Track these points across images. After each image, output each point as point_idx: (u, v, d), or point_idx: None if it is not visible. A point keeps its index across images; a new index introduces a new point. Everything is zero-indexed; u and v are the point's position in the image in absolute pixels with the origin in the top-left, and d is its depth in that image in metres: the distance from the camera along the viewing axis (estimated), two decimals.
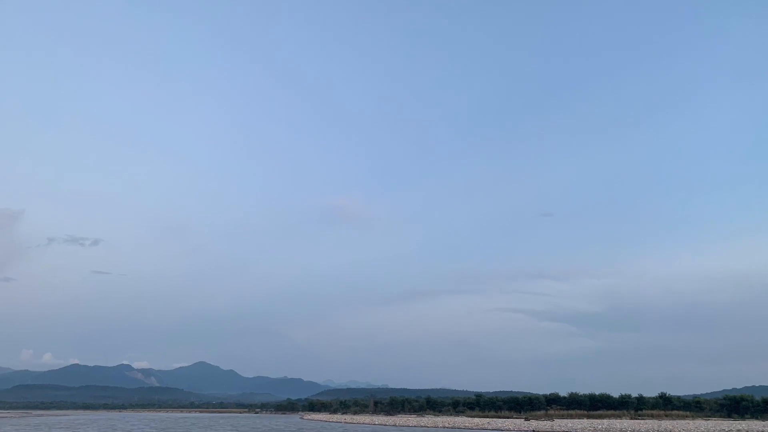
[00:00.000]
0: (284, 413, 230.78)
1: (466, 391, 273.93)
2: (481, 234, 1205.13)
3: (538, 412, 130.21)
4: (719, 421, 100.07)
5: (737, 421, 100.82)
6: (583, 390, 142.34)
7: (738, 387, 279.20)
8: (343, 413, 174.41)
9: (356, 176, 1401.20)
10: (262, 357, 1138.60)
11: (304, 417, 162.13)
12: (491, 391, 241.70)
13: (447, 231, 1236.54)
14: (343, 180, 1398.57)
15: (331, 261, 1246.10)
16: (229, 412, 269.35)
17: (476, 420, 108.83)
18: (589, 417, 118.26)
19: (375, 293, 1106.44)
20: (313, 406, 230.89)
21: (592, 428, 77.04)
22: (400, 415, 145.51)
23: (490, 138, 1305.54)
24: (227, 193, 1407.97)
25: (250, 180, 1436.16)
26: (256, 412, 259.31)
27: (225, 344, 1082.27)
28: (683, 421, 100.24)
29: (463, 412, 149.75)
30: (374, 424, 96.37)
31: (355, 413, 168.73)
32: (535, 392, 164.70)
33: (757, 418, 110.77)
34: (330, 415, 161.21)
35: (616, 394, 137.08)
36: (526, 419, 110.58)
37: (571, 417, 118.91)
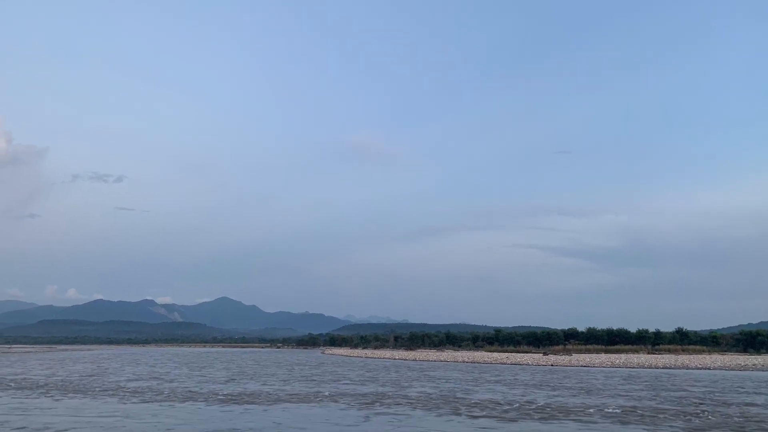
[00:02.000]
0: (305, 348, 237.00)
1: (485, 326, 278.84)
2: (499, 170, 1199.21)
3: (557, 347, 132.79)
4: (735, 356, 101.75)
5: (753, 356, 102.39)
6: (601, 325, 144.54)
7: (754, 322, 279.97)
8: (363, 348, 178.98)
9: (376, 114, 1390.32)
10: (284, 292, 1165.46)
11: (325, 352, 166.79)
12: (510, 326, 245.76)
13: (466, 168, 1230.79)
14: (363, 117, 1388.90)
15: (351, 197, 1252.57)
16: (252, 347, 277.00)
17: (495, 354, 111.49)
18: (606, 352, 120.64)
19: (395, 229, 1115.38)
20: (334, 341, 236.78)
21: (609, 362, 78.85)
22: (420, 350, 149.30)
23: (509, 75, 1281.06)
24: (249, 131, 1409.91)
25: (272, 118, 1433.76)
26: (278, 347, 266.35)
27: (247, 280, 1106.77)
28: (699, 356, 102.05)
29: (482, 346, 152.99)
30: (394, 359, 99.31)
31: (375, 348, 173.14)
32: (553, 327, 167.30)
33: None
34: (351, 350, 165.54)
35: (633, 329, 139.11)
36: (545, 354, 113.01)
37: (588, 352, 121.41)
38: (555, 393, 33.74)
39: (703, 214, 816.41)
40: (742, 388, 38.23)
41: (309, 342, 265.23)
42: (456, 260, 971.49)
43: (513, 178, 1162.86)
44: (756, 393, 34.14)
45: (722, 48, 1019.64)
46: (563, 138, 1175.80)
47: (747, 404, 27.82)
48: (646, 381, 44.68)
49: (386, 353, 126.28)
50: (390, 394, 32.89)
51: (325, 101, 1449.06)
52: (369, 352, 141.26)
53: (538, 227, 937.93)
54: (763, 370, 62.15)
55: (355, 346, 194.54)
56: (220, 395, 31.91)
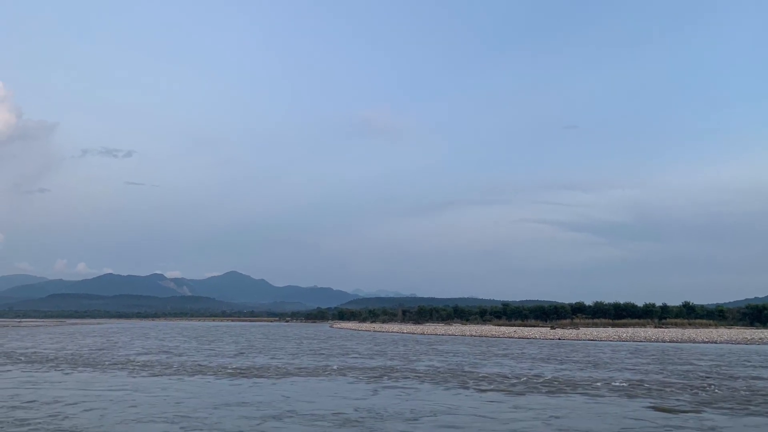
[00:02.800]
0: (314, 322, 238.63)
1: (493, 300, 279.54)
2: (506, 145, 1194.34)
3: (564, 321, 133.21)
4: (742, 330, 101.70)
5: (759, 330, 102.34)
6: (608, 299, 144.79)
7: (760, 296, 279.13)
8: (371, 322, 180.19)
9: (384, 89, 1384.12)
10: (292, 267, 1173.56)
11: (334, 325, 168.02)
12: (518, 300, 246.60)
13: (473, 142, 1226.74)
14: (371, 92, 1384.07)
15: (359, 173, 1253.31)
16: (260, 321, 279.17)
17: (503, 328, 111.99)
18: (614, 326, 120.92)
19: (403, 204, 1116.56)
20: (342, 315, 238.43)
21: (616, 336, 79.00)
22: (428, 324, 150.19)
23: (516, 50, 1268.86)
24: (258, 106, 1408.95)
25: (281, 93, 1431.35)
26: (287, 321, 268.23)
27: (256, 254, 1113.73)
28: (706, 330, 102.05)
29: (490, 320, 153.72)
30: (402, 333, 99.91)
31: (383, 322, 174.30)
32: (560, 301, 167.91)
33: None
34: (359, 324, 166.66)
35: (640, 303, 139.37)
36: (552, 327, 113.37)
37: (596, 325, 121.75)
38: (562, 367, 33.84)
39: (710, 188, 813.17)
40: (749, 361, 38.21)
41: (317, 316, 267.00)
42: (464, 234, 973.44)
43: (520, 152, 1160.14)
44: (762, 367, 34.11)
45: (728, 23, 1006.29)
46: (570, 113, 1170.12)
47: (753, 378, 27.79)
48: (653, 355, 44.75)
49: (394, 327, 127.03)
50: (398, 367, 33.08)
51: (333, 76, 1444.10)
52: (377, 326, 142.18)
53: (546, 202, 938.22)
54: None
55: (364, 320, 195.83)
56: (229, 369, 32.19)
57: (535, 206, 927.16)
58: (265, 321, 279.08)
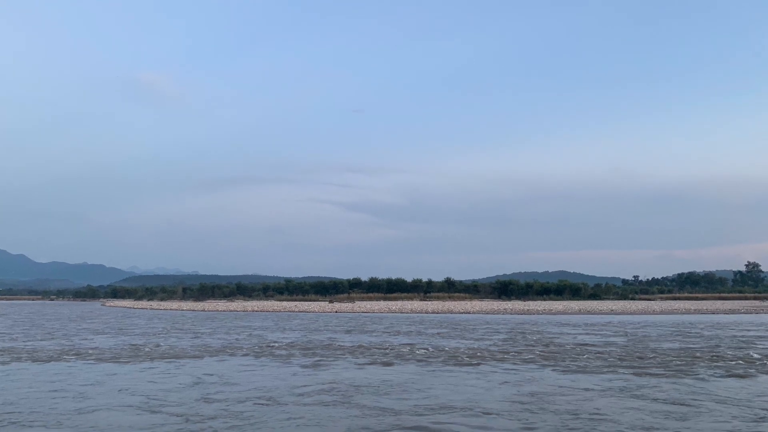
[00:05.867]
0: (84, 300, 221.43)
1: (277, 276, 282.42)
2: (296, 126, 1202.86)
3: (342, 295, 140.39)
4: (491, 302, 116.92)
5: (505, 301, 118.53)
6: (382, 275, 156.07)
7: (507, 273, 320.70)
8: (149, 300, 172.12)
9: (168, 51, 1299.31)
10: (58, 241, 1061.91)
11: (106, 304, 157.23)
12: (300, 276, 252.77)
13: (263, 118, 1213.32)
14: (152, 53, 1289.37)
15: (138, 142, 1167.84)
16: (20, 299, 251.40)
17: (284, 303, 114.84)
18: (385, 299, 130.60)
19: (187, 178, 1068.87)
20: (116, 293, 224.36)
21: (387, 309, 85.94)
22: (209, 301, 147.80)
23: (308, 32, 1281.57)
24: (16, 59, 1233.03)
25: (57, 48, 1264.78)
26: (52, 299, 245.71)
27: (12, 226, 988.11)
28: (463, 302, 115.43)
29: (272, 296, 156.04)
30: (182, 310, 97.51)
31: (162, 300, 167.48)
32: (339, 277, 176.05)
33: (519, 299, 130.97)
34: (135, 302, 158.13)
35: (409, 279, 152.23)
36: (330, 302, 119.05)
37: (370, 299, 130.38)
38: (334, 336, 36.68)
39: (477, 177, 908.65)
40: (493, 327, 44.92)
41: (88, 294, 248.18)
42: (250, 212, 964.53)
43: (309, 133, 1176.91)
44: (496, 332, 40.47)
45: (498, 28, 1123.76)
46: (358, 98, 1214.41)
47: (479, 340, 33.14)
48: (421, 324, 50.10)
49: (173, 305, 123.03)
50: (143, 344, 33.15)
51: (111, 35, 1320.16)
52: (155, 304, 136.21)
53: (332, 183, 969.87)
54: (512, 314, 72.56)
55: (140, 298, 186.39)
56: None
57: (321, 186, 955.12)
58: (25, 299, 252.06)
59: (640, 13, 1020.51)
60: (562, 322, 51.49)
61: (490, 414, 13.12)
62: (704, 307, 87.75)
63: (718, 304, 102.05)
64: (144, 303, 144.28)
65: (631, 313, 71.81)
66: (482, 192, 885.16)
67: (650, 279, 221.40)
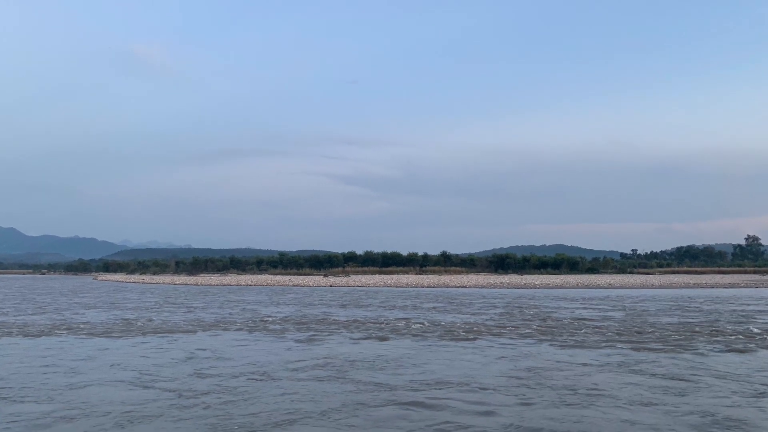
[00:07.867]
0: (75, 274, 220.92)
1: (271, 250, 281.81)
2: (289, 97, 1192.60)
3: (336, 269, 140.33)
4: (487, 276, 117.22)
5: (501, 275, 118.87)
6: (378, 248, 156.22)
7: (504, 247, 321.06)
8: (141, 274, 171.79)
9: (161, 22, 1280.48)
10: (49, 215, 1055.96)
11: (98, 278, 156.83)
12: (294, 250, 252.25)
13: (258, 90, 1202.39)
14: (145, 25, 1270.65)
15: (129, 114, 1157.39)
16: (10, 273, 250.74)
17: (278, 277, 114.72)
18: (381, 273, 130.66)
19: (179, 151, 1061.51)
20: (108, 267, 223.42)
21: (382, 283, 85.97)
22: (202, 275, 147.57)
23: (302, 3, 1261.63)
24: (7, 31, 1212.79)
25: (49, 20, 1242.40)
26: (43, 273, 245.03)
27: (2, 199, 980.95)
28: (459, 276, 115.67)
29: (266, 270, 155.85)
30: (175, 284, 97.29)
31: (154, 273, 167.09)
32: (334, 251, 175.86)
33: (516, 273, 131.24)
34: (127, 276, 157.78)
35: (405, 253, 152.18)
36: (325, 276, 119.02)
37: (365, 273, 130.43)
38: (328, 310, 36.60)
39: (474, 149, 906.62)
40: (490, 302, 44.91)
41: (80, 268, 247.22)
42: (244, 185, 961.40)
43: (303, 105, 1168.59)
44: (492, 307, 40.42)
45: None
46: (353, 68, 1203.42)
47: (475, 313, 33.07)
48: (417, 298, 50.10)
49: (166, 278, 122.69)
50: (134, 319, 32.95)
51: (103, 5, 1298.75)
52: (147, 278, 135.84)
53: (326, 155, 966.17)
54: (508, 288, 72.74)
55: (132, 272, 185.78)
56: None
57: (315, 159, 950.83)
58: (15, 273, 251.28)
59: None
60: (560, 296, 51.63)
61: (487, 389, 12.95)
62: (703, 281, 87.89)
63: (718, 278, 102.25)
64: (136, 277, 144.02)
65: (629, 287, 72.11)
66: (479, 164, 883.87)
67: (649, 253, 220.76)
